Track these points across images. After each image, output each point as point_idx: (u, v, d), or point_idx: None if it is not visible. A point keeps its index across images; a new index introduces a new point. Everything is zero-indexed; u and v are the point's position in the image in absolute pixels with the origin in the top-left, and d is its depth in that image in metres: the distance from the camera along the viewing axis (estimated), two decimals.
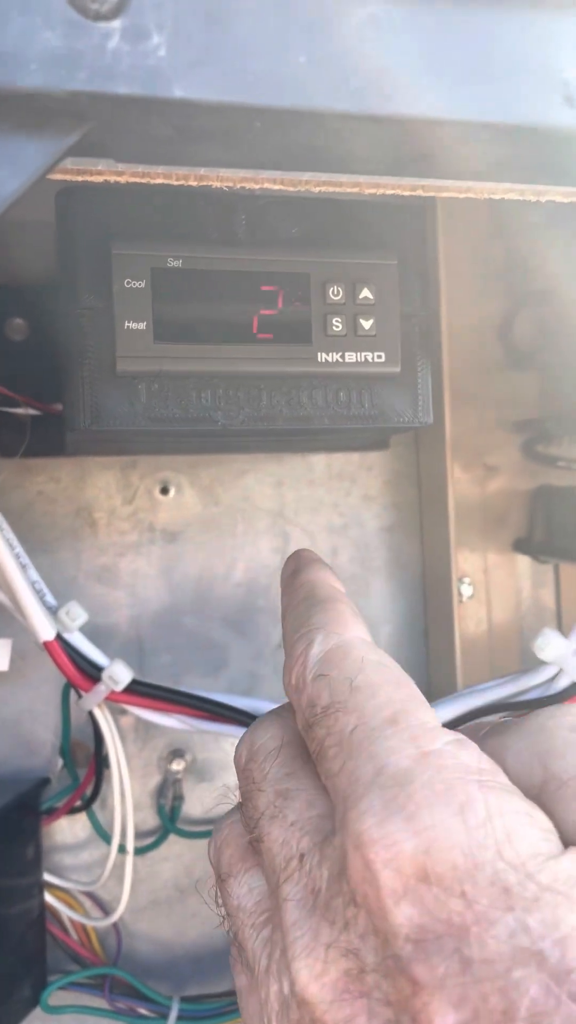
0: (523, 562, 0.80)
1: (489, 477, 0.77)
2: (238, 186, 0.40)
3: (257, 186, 0.40)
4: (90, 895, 0.71)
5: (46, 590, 0.59)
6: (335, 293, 0.52)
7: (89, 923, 0.69)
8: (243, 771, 0.32)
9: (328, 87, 0.30)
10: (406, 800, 0.24)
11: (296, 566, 0.38)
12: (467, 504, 0.76)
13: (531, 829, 0.24)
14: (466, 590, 0.77)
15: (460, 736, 0.27)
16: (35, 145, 0.29)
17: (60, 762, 0.70)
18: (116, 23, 0.28)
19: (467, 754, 0.26)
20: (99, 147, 0.32)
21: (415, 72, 0.30)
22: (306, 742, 0.30)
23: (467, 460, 0.76)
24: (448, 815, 0.24)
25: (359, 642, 0.30)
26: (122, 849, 0.66)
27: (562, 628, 0.82)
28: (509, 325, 0.77)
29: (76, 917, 0.69)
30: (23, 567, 0.57)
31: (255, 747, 0.32)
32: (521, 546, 0.78)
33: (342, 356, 0.52)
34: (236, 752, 0.33)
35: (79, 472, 0.72)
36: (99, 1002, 0.68)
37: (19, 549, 0.57)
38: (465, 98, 0.31)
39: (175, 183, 0.39)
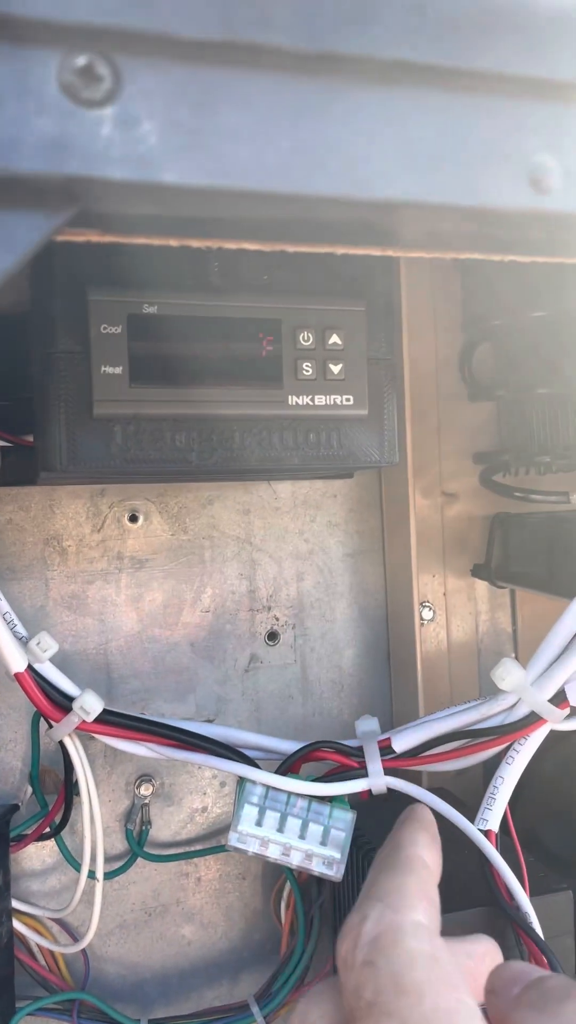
0: (481, 587, 0.82)
1: (448, 504, 0.80)
2: (216, 247, 0.42)
3: (236, 247, 0.42)
4: (58, 920, 0.72)
5: (16, 620, 0.59)
6: (305, 339, 0.53)
7: (57, 949, 0.70)
8: None
9: (310, 172, 0.31)
10: None
11: (401, 819, 0.38)
12: (427, 530, 0.79)
13: None
14: (427, 614, 0.79)
15: None
16: (28, 224, 0.30)
17: (29, 789, 0.70)
18: (108, 110, 0.30)
19: None
20: (85, 220, 0.33)
21: (390, 158, 0.32)
22: None
23: (427, 487, 0.78)
24: None
25: (414, 927, 0.29)
26: (91, 875, 0.67)
27: (518, 651, 0.85)
28: (468, 358, 0.79)
29: (44, 943, 0.70)
30: None
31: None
32: (479, 572, 0.80)
33: (312, 399, 0.54)
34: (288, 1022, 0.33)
35: (48, 501, 0.72)
36: None
37: None
38: (435, 183, 0.33)
39: (156, 243, 0.41)
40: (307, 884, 0.74)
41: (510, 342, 0.76)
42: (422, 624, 0.79)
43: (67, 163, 0.29)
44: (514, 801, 0.60)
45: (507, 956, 0.57)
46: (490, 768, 0.67)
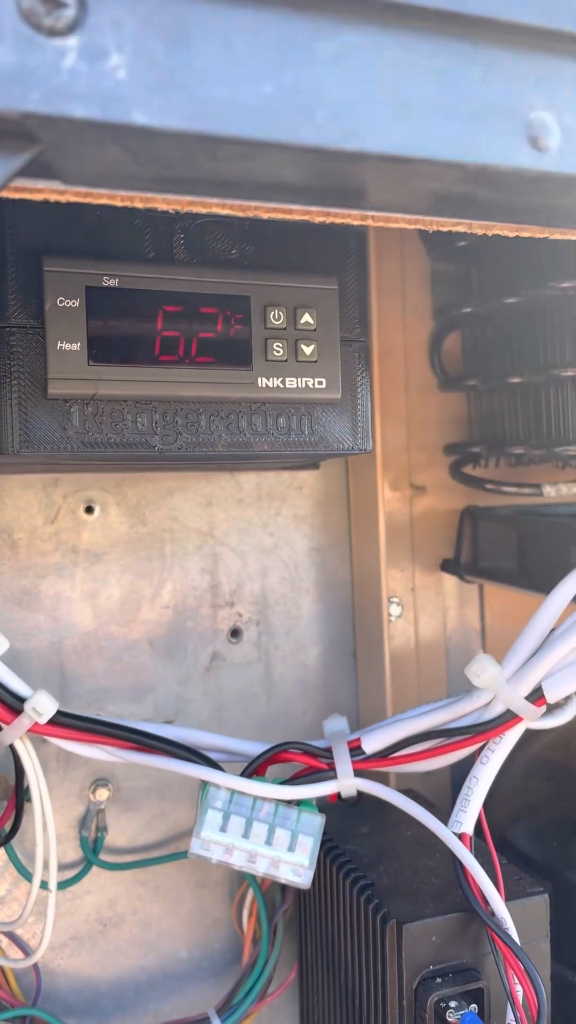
0: (449, 582, 0.80)
1: (417, 497, 0.78)
2: (185, 209, 0.39)
3: (206, 210, 0.39)
4: (7, 934, 0.68)
5: None
6: (276, 317, 0.51)
7: (7, 964, 0.66)
8: None
9: (294, 119, 0.28)
10: None
11: None
12: (395, 523, 0.76)
13: None
14: (395, 610, 0.77)
15: None
16: None
17: None
18: (72, 40, 0.26)
19: None
20: (46, 169, 0.30)
21: (382, 108, 0.29)
22: None
23: (395, 479, 0.76)
24: None
25: None
26: (44, 885, 0.63)
27: (486, 648, 0.83)
28: (438, 348, 0.77)
29: None
30: None
31: None
32: (448, 566, 0.78)
33: (283, 381, 0.51)
34: None
35: None
36: None
37: None
38: (430, 137, 0.30)
39: (119, 204, 0.37)
40: (270, 891, 0.72)
41: (482, 330, 0.74)
42: (390, 620, 0.77)
43: (26, 97, 0.26)
44: (483, 804, 0.58)
45: (482, 962, 0.55)
46: (459, 769, 0.65)
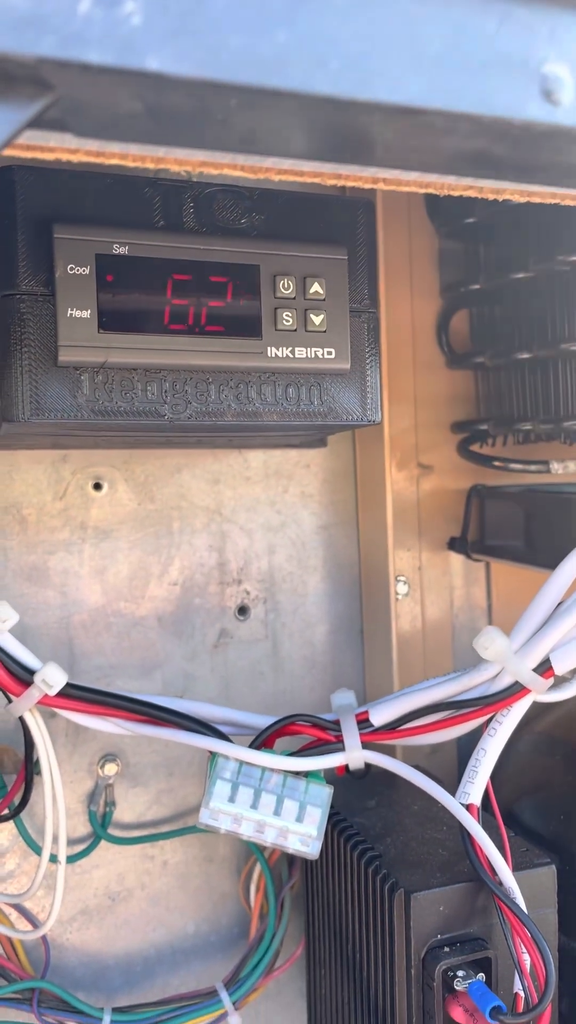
0: (456, 561, 0.81)
1: (424, 476, 0.78)
2: (196, 171, 0.39)
3: (216, 171, 0.39)
4: (16, 906, 0.68)
5: None
6: (285, 287, 0.51)
7: (16, 936, 0.66)
8: None
9: (307, 68, 0.28)
10: None
11: None
12: (402, 502, 0.76)
13: None
14: (401, 588, 0.77)
15: None
16: None
17: None
18: None
19: None
20: (59, 121, 0.30)
21: (396, 58, 0.29)
22: None
23: (402, 459, 0.76)
24: None
25: None
26: (53, 859, 0.63)
27: (493, 625, 0.83)
28: (446, 325, 0.77)
29: (2, 930, 0.66)
30: None
31: None
32: (455, 545, 0.78)
33: (292, 351, 0.51)
34: None
35: (7, 466, 0.69)
36: (27, 1017, 0.65)
37: None
38: (444, 88, 0.30)
39: (131, 164, 0.37)
40: (277, 866, 0.72)
41: (490, 307, 0.74)
42: (397, 599, 0.77)
43: (40, 42, 0.26)
44: (490, 780, 0.58)
45: (490, 932, 0.55)
46: (464, 746, 0.65)
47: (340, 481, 0.78)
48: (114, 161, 0.37)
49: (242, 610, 0.75)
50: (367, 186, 0.41)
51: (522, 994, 0.52)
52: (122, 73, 0.27)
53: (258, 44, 0.28)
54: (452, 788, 0.58)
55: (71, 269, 0.47)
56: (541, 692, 0.57)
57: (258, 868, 0.71)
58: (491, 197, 0.42)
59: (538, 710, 0.62)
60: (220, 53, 0.27)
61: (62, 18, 0.26)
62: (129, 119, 0.30)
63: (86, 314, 0.47)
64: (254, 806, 0.56)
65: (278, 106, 0.29)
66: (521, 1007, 0.51)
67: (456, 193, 0.42)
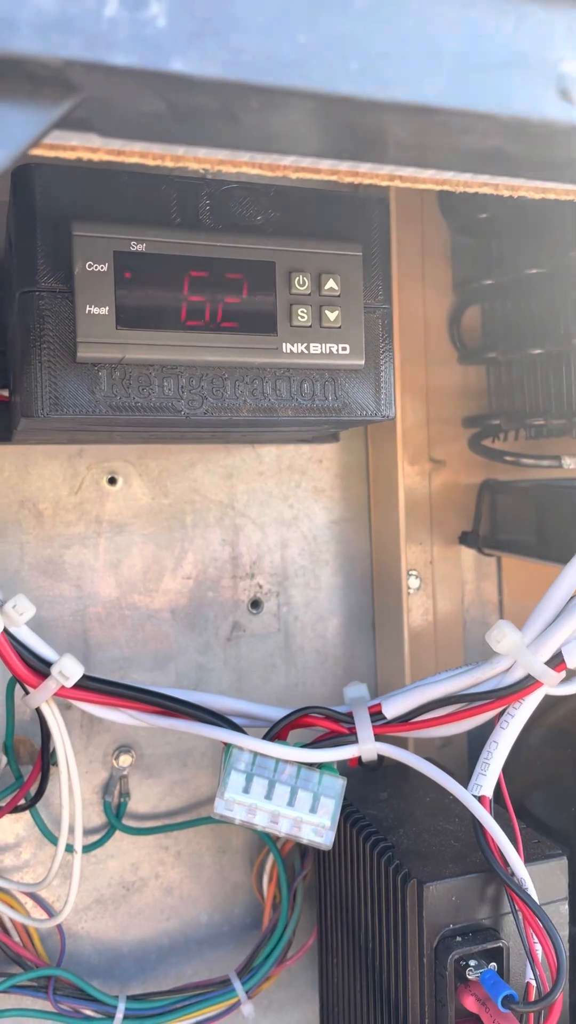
0: (467, 555, 0.81)
1: (436, 471, 0.78)
2: (215, 168, 0.39)
3: (235, 169, 0.39)
4: (32, 895, 0.69)
5: None
6: (300, 283, 0.51)
7: (32, 924, 0.67)
8: None
9: (328, 69, 0.29)
10: None
11: None
12: (414, 497, 0.77)
13: None
14: (413, 582, 0.77)
15: None
16: (22, 115, 0.28)
17: (3, 759, 0.67)
18: None
19: None
20: (84, 121, 0.31)
21: (415, 59, 0.30)
22: None
23: (414, 454, 0.77)
24: None
25: None
26: (68, 848, 0.64)
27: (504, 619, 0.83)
28: (458, 320, 0.77)
29: (18, 918, 0.67)
30: None
31: None
32: (466, 539, 0.79)
33: (307, 347, 0.51)
34: None
35: (23, 461, 0.69)
36: (43, 1004, 0.66)
37: None
38: (462, 88, 0.30)
39: (151, 163, 0.38)
40: (290, 857, 0.73)
41: (502, 303, 0.74)
42: (408, 593, 0.77)
43: (67, 44, 0.26)
44: (502, 772, 0.59)
45: (502, 922, 0.56)
46: (475, 739, 0.66)
47: (352, 476, 0.79)
48: (134, 160, 0.38)
49: (255, 604, 0.76)
50: (383, 183, 0.41)
51: (534, 983, 0.52)
52: (147, 74, 0.27)
53: (280, 45, 0.28)
54: (463, 781, 0.59)
55: (89, 266, 0.48)
56: (553, 685, 0.57)
57: (271, 859, 0.72)
58: (506, 194, 0.42)
59: (549, 703, 0.63)
60: (242, 54, 0.28)
61: (88, 20, 0.27)
62: (152, 119, 0.30)
63: (104, 311, 0.48)
64: (268, 797, 0.56)
65: (299, 106, 0.30)
66: (533, 996, 0.52)
67: (472, 190, 0.42)
